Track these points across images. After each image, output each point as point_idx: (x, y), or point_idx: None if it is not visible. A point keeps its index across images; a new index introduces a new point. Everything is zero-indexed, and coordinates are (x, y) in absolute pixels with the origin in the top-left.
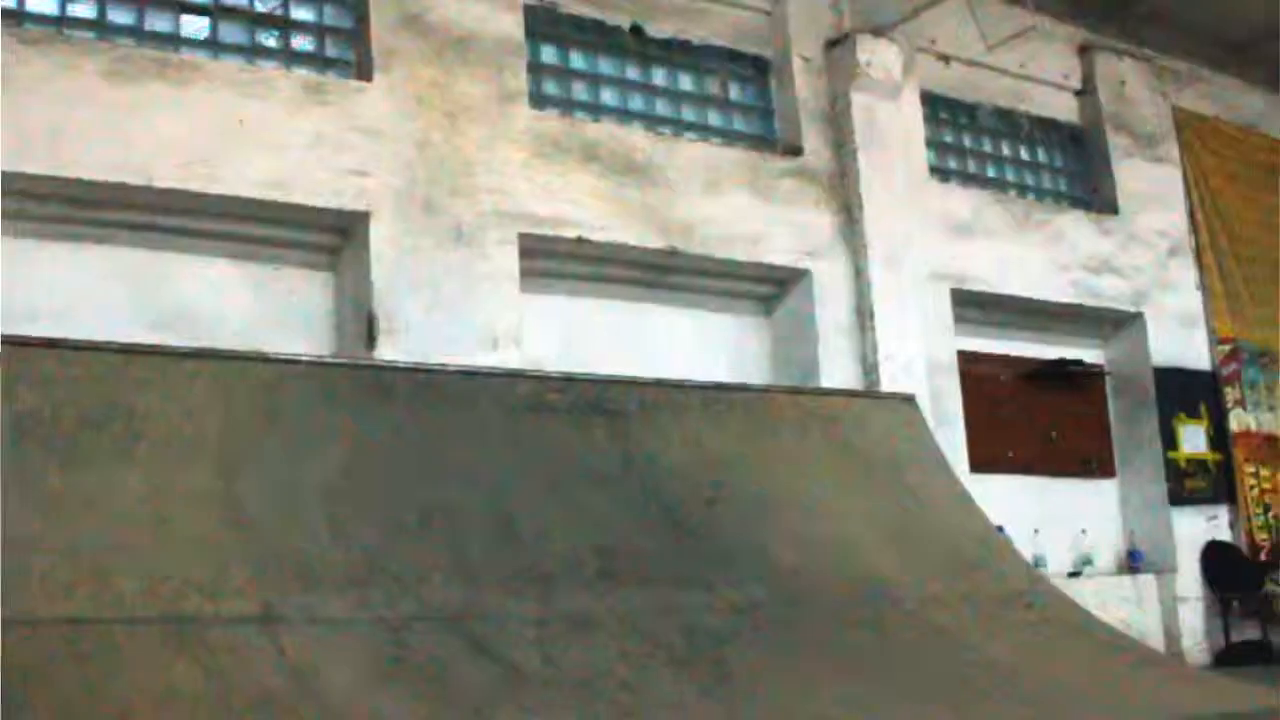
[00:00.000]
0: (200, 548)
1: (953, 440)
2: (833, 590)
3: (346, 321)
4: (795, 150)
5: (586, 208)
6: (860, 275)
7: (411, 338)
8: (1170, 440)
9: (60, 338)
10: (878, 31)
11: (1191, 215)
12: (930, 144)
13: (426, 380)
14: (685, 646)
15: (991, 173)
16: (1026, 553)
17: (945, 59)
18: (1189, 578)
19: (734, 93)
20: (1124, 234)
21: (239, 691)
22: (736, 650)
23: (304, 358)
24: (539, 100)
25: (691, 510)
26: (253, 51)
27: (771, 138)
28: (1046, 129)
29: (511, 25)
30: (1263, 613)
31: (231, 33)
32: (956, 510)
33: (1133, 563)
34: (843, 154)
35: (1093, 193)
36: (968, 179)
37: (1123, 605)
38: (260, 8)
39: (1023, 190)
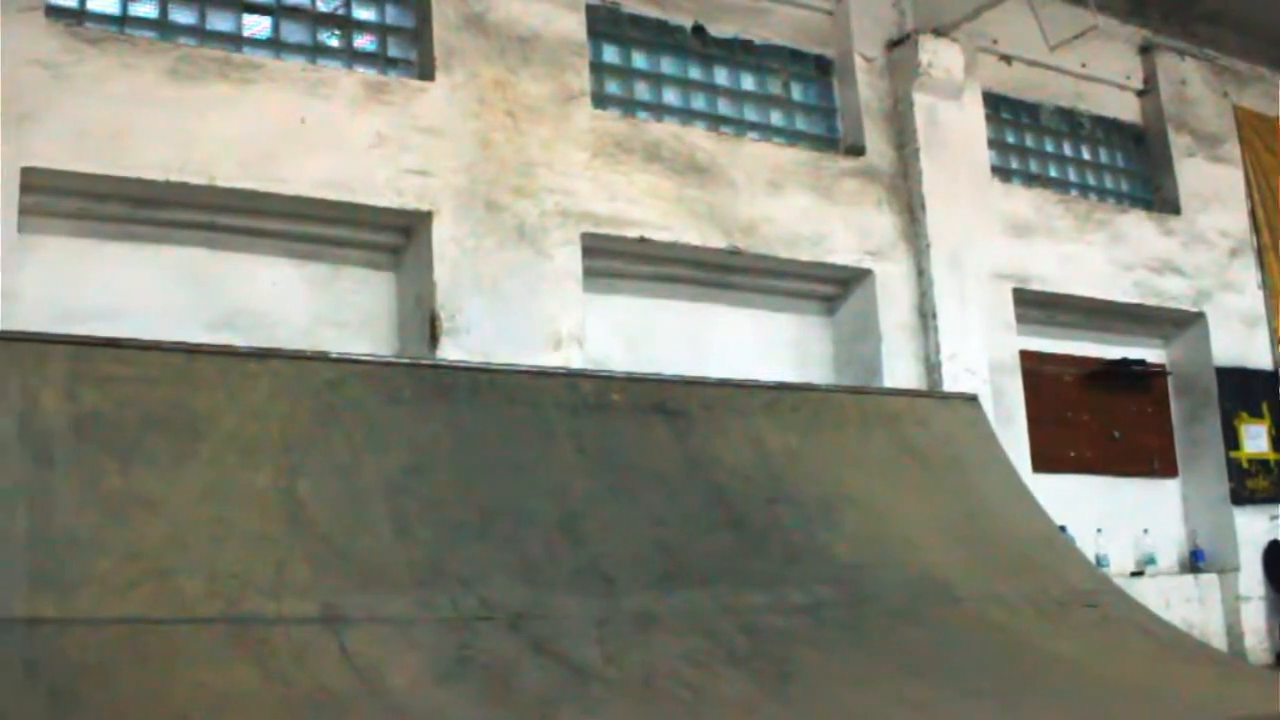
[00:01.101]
0: (262, 547)
1: (1015, 440)
2: (895, 590)
3: (408, 321)
4: (858, 150)
5: (649, 208)
6: (923, 275)
7: (474, 337)
8: (1232, 440)
9: (122, 338)
10: (939, 31)
11: (1253, 215)
12: (992, 144)
13: (489, 380)
14: (748, 646)
15: (1053, 173)
16: (1089, 552)
17: (1007, 59)
18: (1251, 577)
19: (796, 93)
20: (1186, 234)
21: (300, 691)
22: (799, 649)
23: (366, 357)
24: (601, 100)
25: (754, 510)
26: (315, 51)
27: (834, 138)
28: (1108, 129)
29: (574, 25)
30: None
31: (293, 32)
32: (1019, 510)
33: (1195, 562)
34: (905, 154)
35: (1154, 193)
36: (1030, 179)
37: (1185, 605)
38: (322, 7)
39: (1085, 190)
